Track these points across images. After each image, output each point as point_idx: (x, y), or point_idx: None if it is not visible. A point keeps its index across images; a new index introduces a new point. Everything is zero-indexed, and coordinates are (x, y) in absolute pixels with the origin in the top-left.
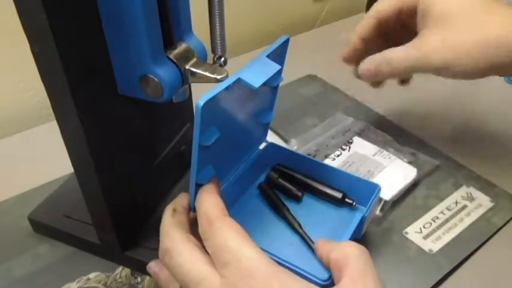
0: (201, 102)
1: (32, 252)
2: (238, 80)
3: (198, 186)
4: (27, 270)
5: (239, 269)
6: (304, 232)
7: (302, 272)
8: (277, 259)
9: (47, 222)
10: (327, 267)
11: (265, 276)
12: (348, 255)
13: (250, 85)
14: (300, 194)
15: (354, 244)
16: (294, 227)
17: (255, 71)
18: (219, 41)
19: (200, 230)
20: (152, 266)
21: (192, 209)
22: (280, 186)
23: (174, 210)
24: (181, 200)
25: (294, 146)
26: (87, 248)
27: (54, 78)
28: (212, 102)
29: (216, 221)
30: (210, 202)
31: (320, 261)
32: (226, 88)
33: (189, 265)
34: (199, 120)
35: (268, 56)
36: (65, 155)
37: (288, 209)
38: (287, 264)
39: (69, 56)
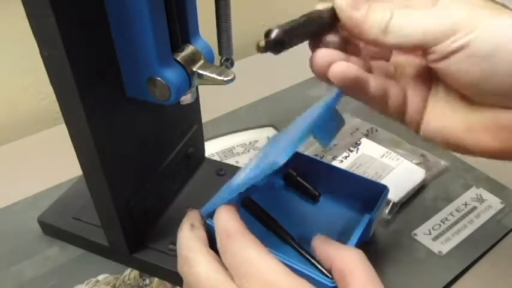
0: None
1: (41, 254)
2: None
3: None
4: (37, 272)
5: (259, 280)
6: (299, 245)
7: (320, 279)
8: (292, 265)
9: (56, 225)
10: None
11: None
12: (349, 264)
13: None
14: (317, 193)
15: (352, 250)
16: (288, 241)
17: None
18: (225, 43)
19: (219, 245)
20: None
21: (206, 215)
22: (300, 186)
23: (192, 225)
24: (196, 215)
25: (301, 147)
26: (96, 250)
27: (63, 82)
28: None
29: (235, 235)
30: (228, 217)
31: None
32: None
33: (207, 274)
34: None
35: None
36: (74, 158)
37: (278, 224)
38: (300, 269)
39: (78, 60)
